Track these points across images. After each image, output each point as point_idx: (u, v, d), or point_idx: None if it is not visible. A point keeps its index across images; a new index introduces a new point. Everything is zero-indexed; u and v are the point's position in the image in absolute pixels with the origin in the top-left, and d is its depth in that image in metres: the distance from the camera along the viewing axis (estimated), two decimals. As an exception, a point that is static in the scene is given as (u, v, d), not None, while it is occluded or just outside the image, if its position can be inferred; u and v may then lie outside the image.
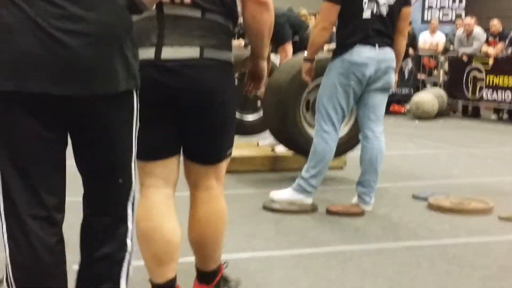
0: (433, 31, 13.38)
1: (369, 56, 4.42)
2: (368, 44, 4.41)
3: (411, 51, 12.32)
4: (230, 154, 2.67)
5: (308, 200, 4.69)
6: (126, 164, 2.08)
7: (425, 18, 15.89)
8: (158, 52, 2.37)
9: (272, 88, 5.60)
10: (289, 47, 6.40)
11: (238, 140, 7.32)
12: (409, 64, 12.54)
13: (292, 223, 4.36)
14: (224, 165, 2.66)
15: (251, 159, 6.14)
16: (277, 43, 6.34)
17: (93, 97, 1.92)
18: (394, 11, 4.47)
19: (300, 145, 5.51)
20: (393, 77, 4.58)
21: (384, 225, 4.39)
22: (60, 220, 2.03)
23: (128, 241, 2.11)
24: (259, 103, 6.76)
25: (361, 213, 4.58)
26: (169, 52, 2.37)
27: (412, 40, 12.58)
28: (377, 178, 4.62)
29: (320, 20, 4.54)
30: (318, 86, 4.85)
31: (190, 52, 2.37)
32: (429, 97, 11.62)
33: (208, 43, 2.39)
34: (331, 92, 4.51)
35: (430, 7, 16.20)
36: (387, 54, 4.48)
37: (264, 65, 2.70)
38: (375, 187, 4.64)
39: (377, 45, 4.43)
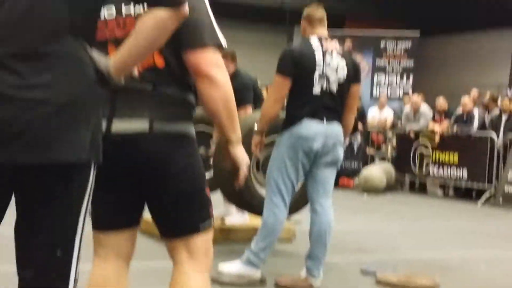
0: (381, 107, 13.69)
1: (317, 130, 4.47)
2: (316, 118, 4.47)
3: (360, 126, 12.56)
4: (208, 227, 2.50)
5: (257, 273, 4.65)
6: (66, 237, 2.00)
7: (374, 94, 16.28)
8: (108, 125, 2.34)
9: (221, 147, 5.54)
10: (249, 111, 6.34)
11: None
12: (358, 139, 12.76)
13: (240, 297, 4.30)
14: (200, 239, 2.46)
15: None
16: (238, 104, 6.24)
17: (49, 166, 1.89)
18: (344, 88, 4.57)
19: (252, 205, 5.49)
20: (341, 152, 4.64)
21: (333, 299, 4.37)
22: None
23: None
24: (211, 161, 6.73)
25: (309, 287, 4.55)
26: (119, 125, 2.34)
27: (361, 115, 12.85)
28: (326, 251, 4.62)
29: (271, 92, 4.62)
30: (268, 144, 4.89)
31: (140, 124, 2.33)
32: (378, 171, 11.79)
33: (158, 116, 2.33)
34: (280, 166, 4.55)
35: (378, 84, 16.62)
36: (335, 129, 4.54)
37: (236, 151, 2.46)
38: (323, 260, 4.63)
39: (325, 119, 4.50)
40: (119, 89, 2.28)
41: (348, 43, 16.54)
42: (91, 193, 2.03)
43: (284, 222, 4.66)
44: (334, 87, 4.52)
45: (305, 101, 4.50)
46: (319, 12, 4.72)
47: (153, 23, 1.97)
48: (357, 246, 6.42)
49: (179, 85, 2.37)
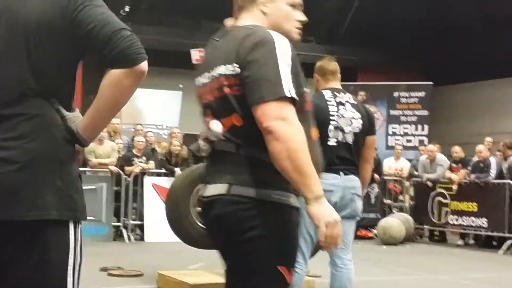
0: (397, 157, 13.67)
1: (334, 183, 4.44)
2: (332, 172, 4.44)
3: (376, 176, 12.52)
4: None
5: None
6: None
7: (389, 144, 16.26)
8: (203, 189, 2.40)
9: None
10: None
11: (204, 268, 7.27)
12: (375, 189, 12.70)
13: None
14: None
15: (219, 286, 6.01)
16: None
17: (18, 223, 1.92)
18: (359, 139, 4.57)
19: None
20: (360, 204, 4.62)
21: None
22: None
23: None
24: None
25: None
26: (207, 190, 2.37)
27: (377, 166, 12.80)
28: None
29: None
30: None
31: (220, 188, 2.29)
32: (396, 222, 11.69)
33: (237, 179, 2.26)
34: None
35: (393, 134, 16.62)
36: (352, 182, 4.53)
37: (312, 211, 2.22)
38: None
39: (341, 173, 4.49)
40: (212, 152, 2.36)
41: (361, 95, 16.62)
42: (81, 252, 2.03)
43: (304, 278, 4.61)
44: (349, 139, 4.53)
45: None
46: (332, 65, 4.76)
47: (109, 83, 1.98)
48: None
49: (260, 145, 2.21)
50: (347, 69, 18.29)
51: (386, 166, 13.47)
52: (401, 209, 13.14)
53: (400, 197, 13.38)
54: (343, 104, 4.57)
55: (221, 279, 6.09)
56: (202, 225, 6.49)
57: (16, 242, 1.94)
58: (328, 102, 4.55)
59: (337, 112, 4.53)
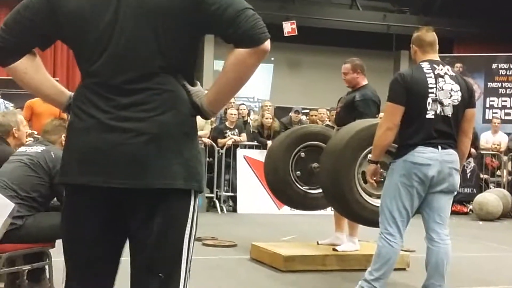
0: (495, 131, 13.25)
1: (431, 157, 4.38)
2: (430, 146, 4.39)
3: (473, 150, 12.18)
4: None
5: (372, 304, 4.56)
6: (169, 260, 2.11)
7: (487, 117, 15.78)
8: None
9: (327, 155, 5.65)
10: None
11: (297, 240, 7.31)
12: (471, 164, 12.36)
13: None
14: None
15: (313, 258, 6.04)
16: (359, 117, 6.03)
17: (147, 191, 2.06)
18: (459, 112, 4.47)
19: (363, 217, 5.38)
20: (458, 179, 4.53)
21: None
22: None
23: None
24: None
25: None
26: None
27: (474, 140, 12.45)
28: (444, 282, 4.48)
29: (384, 121, 4.55)
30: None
31: None
32: (493, 197, 11.37)
33: None
34: (394, 194, 4.47)
35: (491, 107, 16.10)
36: (450, 156, 4.45)
37: None
38: None
39: (439, 147, 4.41)
40: None
41: (457, 67, 16.15)
42: (196, 222, 2.17)
43: (399, 252, 4.56)
44: (449, 111, 4.44)
45: (419, 127, 4.41)
46: (430, 36, 4.66)
47: (234, 62, 2.09)
48: (475, 276, 6.20)
49: None
50: (442, 41, 17.91)
51: (483, 140, 13.09)
52: (498, 185, 12.77)
53: (498, 172, 12.99)
54: (442, 77, 4.48)
55: (314, 251, 6.12)
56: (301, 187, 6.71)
57: (142, 209, 2.09)
58: (427, 75, 4.46)
59: (435, 84, 4.44)
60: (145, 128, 2.06)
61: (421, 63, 4.55)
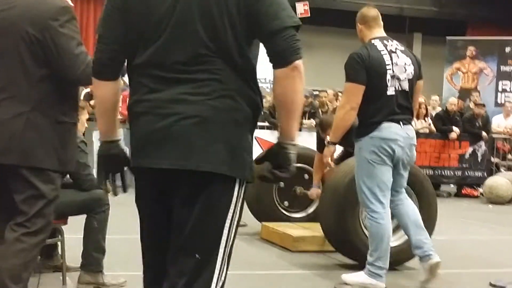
0: (507, 115, 13.18)
1: (397, 132, 4.51)
2: (394, 122, 4.51)
3: (484, 134, 12.14)
4: None
5: (381, 285, 4.58)
6: (208, 243, 2.13)
7: (499, 101, 15.71)
8: None
9: (329, 189, 5.47)
10: None
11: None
12: (482, 147, 12.32)
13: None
14: None
15: (322, 239, 6.06)
16: None
17: (191, 172, 2.09)
18: (413, 85, 4.65)
19: (359, 250, 5.12)
20: (415, 153, 4.71)
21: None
22: None
23: None
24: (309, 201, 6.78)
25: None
26: None
27: (486, 123, 12.42)
28: (424, 232, 4.65)
29: (346, 101, 4.58)
30: None
31: None
32: (504, 181, 11.34)
33: None
34: (369, 171, 4.53)
35: (504, 90, 16.02)
36: (411, 131, 4.62)
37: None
38: (430, 242, 4.66)
39: (401, 123, 4.53)
40: None
41: (470, 50, 16.06)
42: (241, 210, 2.18)
43: (390, 226, 4.59)
44: (405, 86, 4.57)
45: (381, 104, 4.52)
46: (372, 11, 4.77)
47: (276, 84, 2.15)
48: (485, 258, 6.20)
49: None
50: (456, 23, 17.88)
51: (495, 124, 13.05)
52: (509, 168, 12.74)
53: (509, 156, 12.94)
54: (394, 52, 4.60)
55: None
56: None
57: (185, 190, 2.13)
58: (382, 52, 4.56)
59: (390, 60, 4.55)
60: (195, 110, 2.08)
61: (372, 41, 4.63)
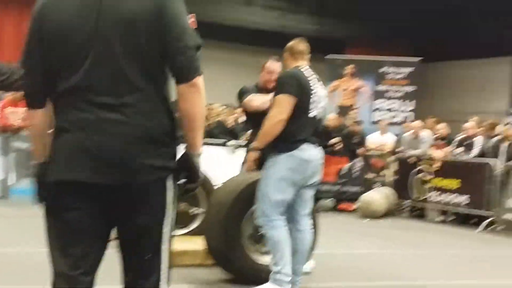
0: (382, 132, 13.68)
1: (314, 154, 4.74)
2: (312, 143, 4.74)
3: (360, 150, 12.57)
4: None
5: (287, 290, 4.71)
6: (152, 245, 2.47)
7: (374, 119, 16.29)
8: None
9: (215, 205, 5.49)
10: None
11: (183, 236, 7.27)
12: (358, 164, 12.76)
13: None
14: None
15: (203, 253, 6.03)
16: None
17: (126, 186, 2.33)
18: (322, 117, 4.99)
19: (244, 271, 5.28)
20: (321, 173, 4.92)
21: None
22: None
23: None
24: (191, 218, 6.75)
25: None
26: None
27: (362, 140, 12.87)
28: (305, 263, 4.98)
29: (278, 112, 4.69)
30: None
31: None
32: (378, 196, 11.78)
33: None
34: (280, 186, 4.66)
35: (379, 109, 16.67)
36: (321, 153, 4.84)
37: None
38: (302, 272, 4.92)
39: (315, 145, 4.77)
40: None
41: (350, 68, 16.59)
42: (173, 206, 2.53)
43: (286, 233, 4.74)
44: (320, 114, 4.84)
45: (304, 124, 4.72)
46: (301, 46, 4.97)
47: (179, 98, 2.38)
48: (360, 271, 6.40)
49: None
50: (334, 42, 18.41)
51: (369, 141, 13.50)
52: (383, 184, 13.21)
53: (383, 172, 13.43)
54: (315, 83, 4.82)
55: (200, 246, 6.07)
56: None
57: (123, 204, 2.40)
58: (308, 77, 4.77)
59: (313, 87, 4.76)
60: (127, 131, 2.30)
61: (299, 67, 4.84)
